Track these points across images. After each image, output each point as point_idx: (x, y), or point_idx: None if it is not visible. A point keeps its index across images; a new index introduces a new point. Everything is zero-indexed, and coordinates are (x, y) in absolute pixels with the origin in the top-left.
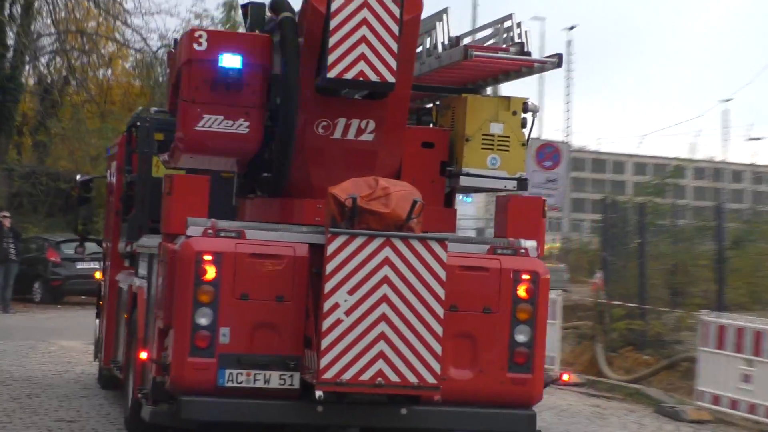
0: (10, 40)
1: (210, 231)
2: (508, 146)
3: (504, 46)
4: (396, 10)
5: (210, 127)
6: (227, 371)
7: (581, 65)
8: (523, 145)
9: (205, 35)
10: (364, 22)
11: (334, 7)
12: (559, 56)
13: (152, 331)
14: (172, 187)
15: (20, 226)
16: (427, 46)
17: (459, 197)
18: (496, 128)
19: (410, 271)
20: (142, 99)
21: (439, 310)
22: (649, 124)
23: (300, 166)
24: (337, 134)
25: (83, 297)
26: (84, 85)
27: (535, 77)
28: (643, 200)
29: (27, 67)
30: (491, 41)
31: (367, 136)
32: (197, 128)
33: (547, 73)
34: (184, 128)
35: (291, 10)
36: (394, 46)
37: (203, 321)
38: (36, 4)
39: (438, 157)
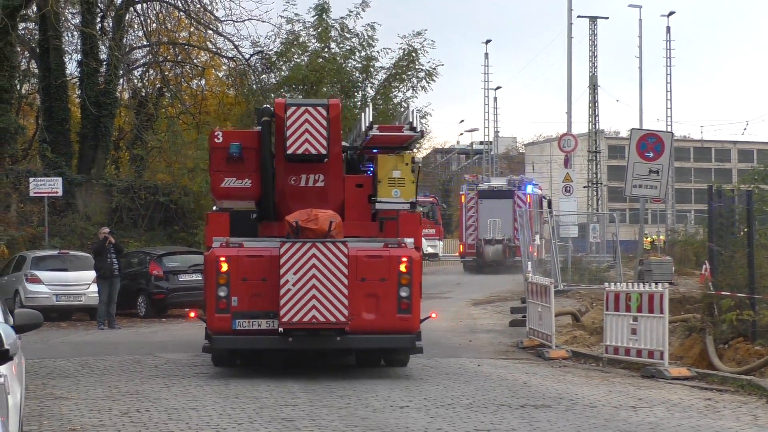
0: (103, 55)
1: (224, 243)
2: (403, 184)
3: (402, 125)
4: (324, 113)
5: (230, 184)
6: (237, 320)
7: (682, 52)
8: (413, 182)
9: (221, 134)
10: (306, 121)
11: (288, 113)
12: (421, 132)
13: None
14: (207, 221)
15: (121, 241)
16: (362, 128)
17: (561, 197)
18: (396, 173)
19: (326, 260)
20: (236, 108)
21: (344, 280)
22: (754, 110)
23: (284, 203)
24: (302, 183)
25: (186, 309)
26: (178, 96)
27: (634, 67)
28: (750, 187)
29: (121, 81)
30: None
31: (320, 184)
32: (222, 186)
33: (646, 61)
34: (214, 186)
35: (270, 115)
36: (324, 132)
37: (222, 293)
38: (127, 17)
39: (366, 192)
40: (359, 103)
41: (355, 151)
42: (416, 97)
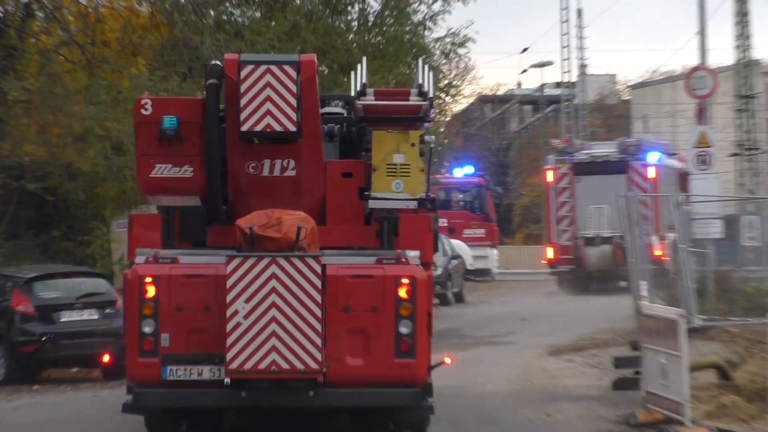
0: None
1: (151, 258)
2: (408, 172)
3: (409, 89)
4: (293, 74)
5: (162, 173)
6: (169, 367)
7: None
8: (422, 170)
9: (149, 103)
10: (268, 84)
11: (243, 74)
12: (430, 100)
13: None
14: (130, 225)
15: None
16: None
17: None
18: (398, 158)
19: (292, 282)
20: (152, 34)
21: (317, 311)
22: None
23: (239, 199)
24: (265, 172)
25: (74, 369)
26: (56, 16)
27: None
28: None
29: None
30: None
31: (290, 172)
32: (151, 175)
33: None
34: (140, 175)
35: (218, 76)
36: (294, 102)
37: (147, 329)
38: None
39: (357, 184)
40: (355, 24)
41: (350, 123)
42: (449, 12)
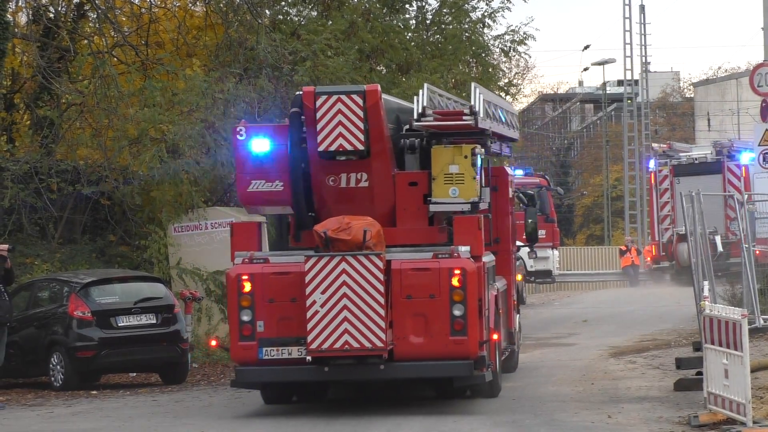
0: None
1: (247, 259)
2: (463, 180)
3: (463, 109)
4: (360, 101)
5: (258, 188)
6: (264, 348)
7: None
8: (474, 178)
9: (244, 129)
10: (339, 111)
11: (318, 104)
12: (474, 116)
13: None
14: (232, 232)
15: (20, 262)
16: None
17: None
18: (453, 168)
19: (359, 275)
20: (207, 34)
21: (381, 299)
22: None
23: (323, 208)
24: (343, 184)
25: (133, 374)
26: (109, 17)
27: None
28: None
29: None
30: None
31: (363, 184)
32: (249, 190)
33: None
34: (240, 190)
35: (299, 105)
36: (361, 125)
37: (245, 318)
38: None
39: (421, 191)
40: (413, 22)
41: (421, 138)
42: (508, 9)
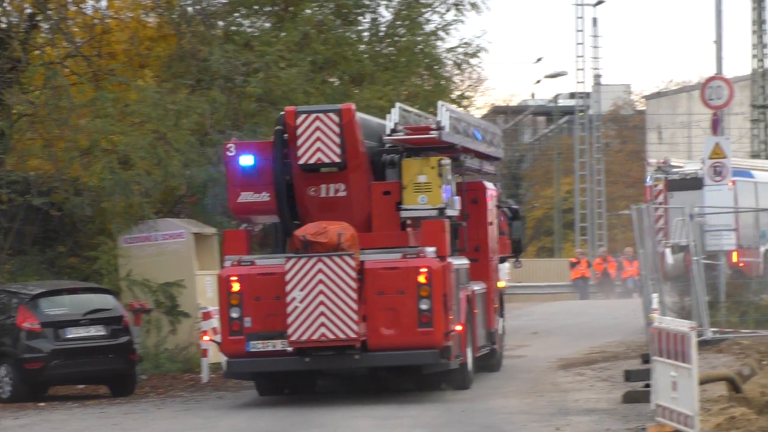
0: None
1: (236, 262)
2: (430, 189)
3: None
4: (336, 119)
5: (247, 199)
6: (251, 342)
7: None
8: (440, 186)
9: (233, 146)
10: (318, 128)
11: (298, 122)
12: (439, 129)
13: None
14: (224, 238)
15: None
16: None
17: (708, 184)
18: (421, 178)
19: (334, 274)
20: (161, 45)
21: (353, 294)
22: None
23: (306, 216)
24: (323, 194)
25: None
26: (62, 27)
27: None
28: None
29: None
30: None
31: (341, 193)
32: (238, 201)
33: None
34: (231, 201)
35: (282, 123)
36: (337, 140)
37: (234, 315)
38: None
39: (394, 199)
40: (366, 34)
41: (400, 153)
42: (462, 22)
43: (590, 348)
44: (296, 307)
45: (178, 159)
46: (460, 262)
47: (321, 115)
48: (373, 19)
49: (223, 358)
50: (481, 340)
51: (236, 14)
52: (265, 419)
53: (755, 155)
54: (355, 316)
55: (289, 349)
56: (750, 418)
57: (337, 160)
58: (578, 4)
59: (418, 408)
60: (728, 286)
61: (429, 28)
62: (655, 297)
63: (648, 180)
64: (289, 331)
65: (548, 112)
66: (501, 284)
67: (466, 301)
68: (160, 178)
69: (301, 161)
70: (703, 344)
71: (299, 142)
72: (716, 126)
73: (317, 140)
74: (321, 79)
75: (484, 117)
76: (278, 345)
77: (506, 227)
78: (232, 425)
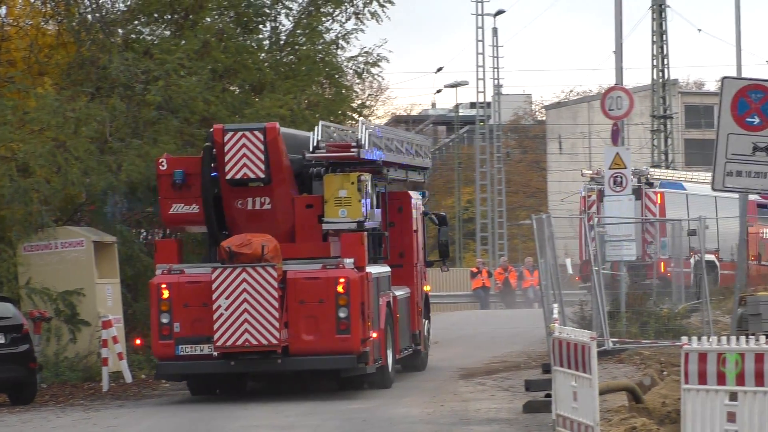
0: None
1: (166, 270)
2: (350, 203)
3: (351, 142)
4: (261, 137)
5: (177, 210)
6: (180, 346)
7: None
8: (360, 201)
9: (165, 161)
10: (243, 146)
11: (226, 139)
12: (357, 146)
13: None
14: (155, 248)
15: None
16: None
17: (608, 194)
18: (342, 193)
19: (257, 284)
20: (59, 53)
21: (275, 303)
22: None
23: (234, 227)
24: (249, 206)
25: None
26: None
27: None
28: None
29: None
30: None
31: (267, 206)
32: (170, 212)
33: None
34: (163, 212)
35: (210, 140)
36: (262, 156)
37: (164, 320)
38: None
39: (316, 212)
40: (267, 43)
41: (326, 166)
42: (362, 31)
43: (491, 358)
44: (222, 314)
45: (77, 167)
46: (381, 270)
47: (247, 132)
48: (274, 28)
49: (124, 367)
50: (404, 342)
51: (136, 22)
52: (164, 428)
53: (655, 165)
54: (276, 323)
55: (215, 353)
56: (651, 429)
57: (261, 175)
58: (478, 14)
59: (320, 417)
60: (629, 297)
61: (329, 36)
62: (555, 307)
63: (582, 191)
64: (215, 336)
65: (449, 122)
66: (427, 288)
67: (386, 307)
68: (60, 186)
69: (228, 176)
70: (604, 354)
71: (226, 158)
72: (616, 136)
73: (243, 156)
74: (221, 87)
75: (385, 126)
76: (205, 349)
77: (433, 233)
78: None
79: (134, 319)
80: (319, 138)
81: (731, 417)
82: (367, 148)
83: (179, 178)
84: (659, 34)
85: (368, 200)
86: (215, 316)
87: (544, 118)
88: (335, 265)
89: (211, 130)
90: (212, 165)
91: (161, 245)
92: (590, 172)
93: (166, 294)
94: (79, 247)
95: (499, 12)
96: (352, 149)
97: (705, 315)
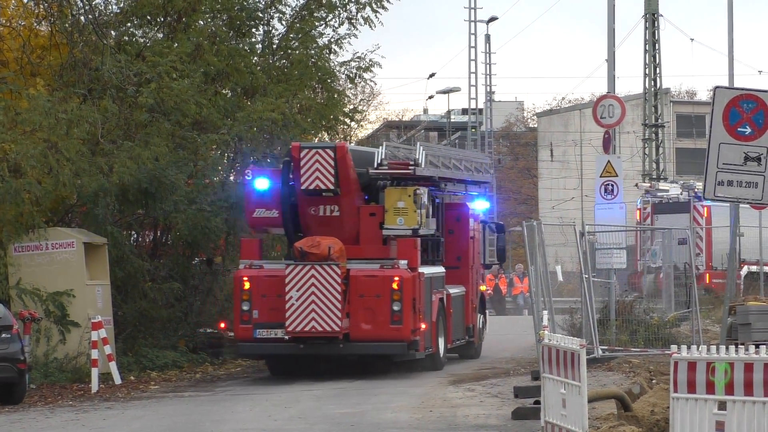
0: None
1: (248, 265)
2: (407, 213)
3: (411, 161)
4: (332, 154)
5: (260, 215)
6: (258, 330)
7: None
8: (415, 211)
9: (251, 172)
10: (317, 161)
11: (302, 155)
12: (414, 165)
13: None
14: (240, 247)
15: None
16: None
17: (598, 201)
18: (400, 204)
19: (324, 279)
20: (52, 54)
21: (338, 296)
22: None
23: (307, 230)
24: (321, 213)
25: None
26: None
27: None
28: None
29: None
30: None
31: (336, 213)
32: (254, 216)
33: None
34: (248, 216)
35: (289, 155)
36: (332, 170)
37: (245, 307)
38: None
39: (378, 220)
40: (259, 46)
41: (391, 180)
42: (355, 36)
43: (481, 364)
44: (293, 304)
45: (69, 168)
46: (434, 270)
47: (320, 150)
48: (267, 32)
49: (114, 369)
50: (457, 334)
51: (129, 24)
52: (153, 430)
53: (646, 174)
54: (339, 313)
55: (286, 337)
56: None
57: (331, 187)
58: (471, 21)
59: (309, 422)
60: (619, 305)
61: (322, 41)
62: (545, 314)
63: (639, 203)
64: (287, 322)
65: (441, 128)
66: (482, 288)
67: (439, 302)
68: (51, 187)
69: (303, 187)
70: (593, 362)
71: (302, 171)
72: (608, 144)
73: (316, 170)
74: (213, 90)
75: (377, 131)
76: (279, 333)
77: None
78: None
79: (124, 320)
80: (383, 156)
81: (720, 426)
82: (423, 165)
83: (263, 187)
84: (652, 43)
85: (423, 210)
86: (287, 305)
87: (535, 126)
88: (391, 265)
89: (290, 147)
90: (290, 177)
91: (245, 244)
92: (646, 185)
93: (247, 285)
94: (70, 248)
95: (492, 19)
96: (410, 167)
97: (695, 324)
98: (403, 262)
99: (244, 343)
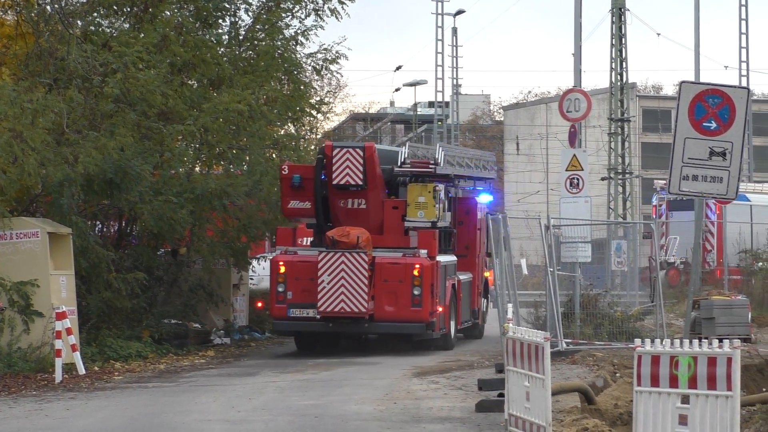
0: None
1: (284, 251)
2: (427, 207)
3: (431, 160)
4: (361, 153)
5: (294, 206)
6: (291, 309)
7: None
8: (434, 206)
9: (287, 167)
10: (347, 159)
11: (334, 153)
12: (435, 164)
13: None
14: (276, 235)
15: None
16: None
17: (564, 196)
18: (421, 199)
19: (352, 265)
20: (18, 44)
21: (365, 280)
22: None
23: (336, 221)
24: (349, 205)
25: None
26: None
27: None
28: None
29: None
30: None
31: (362, 206)
32: (288, 207)
33: None
34: (283, 207)
35: (323, 154)
36: (361, 168)
37: (280, 289)
38: None
39: (400, 213)
40: (226, 38)
41: (412, 177)
42: (321, 27)
43: (445, 356)
44: (324, 287)
45: (34, 158)
46: (449, 258)
47: (350, 149)
48: (233, 23)
49: (78, 359)
50: (465, 316)
51: (95, 14)
52: (117, 421)
53: (611, 168)
54: (365, 296)
55: (318, 316)
56: (603, 430)
57: (359, 182)
58: (438, 14)
59: (273, 413)
60: (583, 298)
61: (289, 33)
62: (510, 307)
63: (654, 200)
64: (318, 303)
65: (407, 121)
66: (486, 274)
67: (451, 288)
68: (16, 176)
69: (335, 181)
70: (557, 355)
71: (334, 167)
72: (573, 138)
73: (346, 167)
74: (180, 81)
75: (344, 123)
76: (310, 313)
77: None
78: (85, 426)
79: (88, 311)
80: (406, 155)
81: (683, 419)
82: (442, 164)
83: (297, 180)
84: (618, 38)
85: (441, 205)
86: (319, 288)
87: (502, 119)
88: (413, 254)
89: (323, 146)
90: (323, 172)
91: (281, 232)
92: (663, 182)
93: (282, 269)
94: (34, 237)
95: (459, 12)
96: (431, 165)
97: (659, 318)
98: (423, 251)
99: (280, 320)
